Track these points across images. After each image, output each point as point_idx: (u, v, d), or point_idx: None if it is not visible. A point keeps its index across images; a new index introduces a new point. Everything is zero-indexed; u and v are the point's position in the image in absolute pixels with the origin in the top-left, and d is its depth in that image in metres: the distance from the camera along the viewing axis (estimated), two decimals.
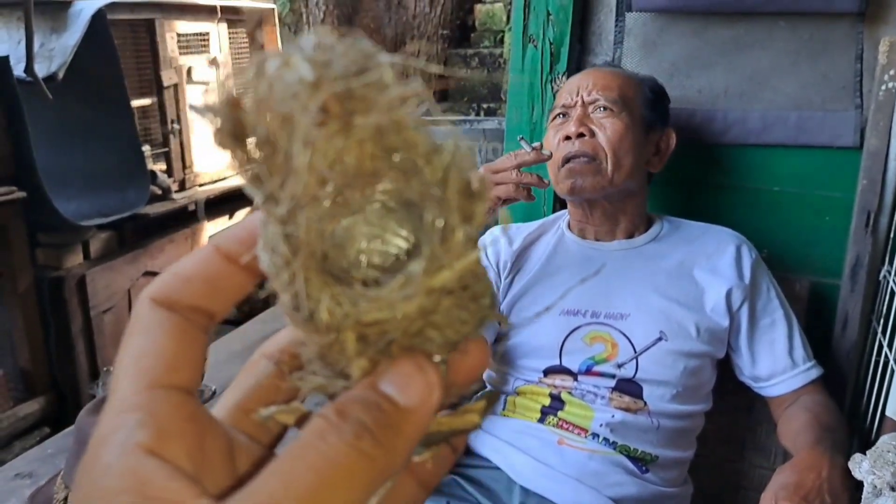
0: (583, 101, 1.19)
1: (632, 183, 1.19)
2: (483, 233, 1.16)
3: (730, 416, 1.29)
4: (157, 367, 0.22)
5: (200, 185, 3.31)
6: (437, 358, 0.23)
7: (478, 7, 4.28)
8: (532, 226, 1.32)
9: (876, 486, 0.84)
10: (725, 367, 1.21)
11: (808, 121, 1.31)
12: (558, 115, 1.22)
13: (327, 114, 0.20)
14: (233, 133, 0.22)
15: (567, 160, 1.17)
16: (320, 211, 0.22)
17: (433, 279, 0.22)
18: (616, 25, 1.43)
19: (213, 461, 0.22)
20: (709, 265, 1.18)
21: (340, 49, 0.21)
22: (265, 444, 0.26)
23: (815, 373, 1.15)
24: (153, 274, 2.84)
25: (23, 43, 2.35)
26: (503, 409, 1.19)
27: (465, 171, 0.22)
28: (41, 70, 2.42)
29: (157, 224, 2.90)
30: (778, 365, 1.15)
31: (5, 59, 2.26)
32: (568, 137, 1.17)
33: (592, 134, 1.17)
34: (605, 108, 1.18)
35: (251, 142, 0.22)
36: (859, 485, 0.88)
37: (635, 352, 1.12)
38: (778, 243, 1.35)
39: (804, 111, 1.31)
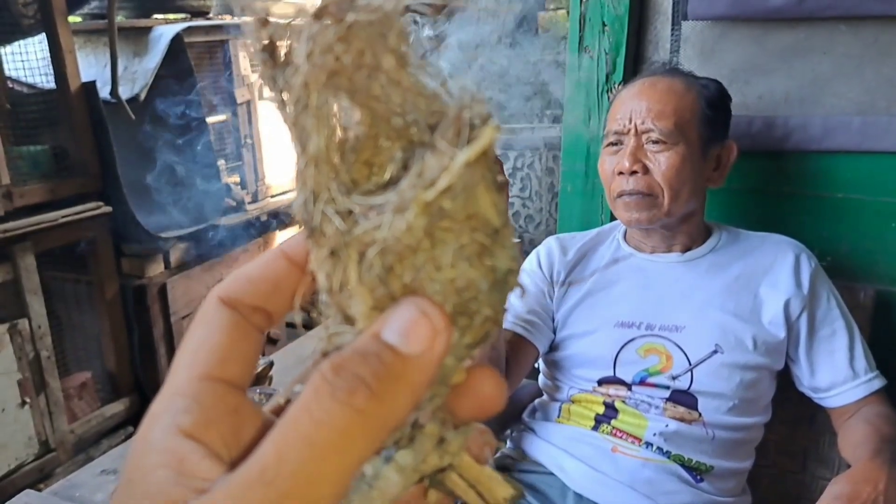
0: (636, 130, 1.14)
1: (690, 206, 1.17)
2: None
3: (791, 427, 1.27)
4: (210, 360, 0.24)
5: (272, 197, 3.42)
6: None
7: (541, 14, 4.28)
8: (587, 235, 1.32)
9: None
10: (786, 378, 1.19)
11: (871, 126, 1.28)
12: (612, 141, 1.19)
13: (324, 14, 0.21)
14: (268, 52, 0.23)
15: (621, 195, 1.16)
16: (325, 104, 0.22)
17: (425, 191, 0.21)
18: (672, 34, 1.43)
19: (250, 449, 0.23)
20: (767, 276, 1.16)
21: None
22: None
23: (878, 383, 1.12)
24: None
25: (108, 67, 2.51)
26: (558, 417, 1.21)
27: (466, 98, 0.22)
28: (125, 92, 2.56)
29: (232, 234, 3.01)
30: (838, 376, 1.13)
31: (92, 83, 2.41)
32: (621, 172, 1.15)
33: (646, 170, 1.13)
34: (659, 142, 1.13)
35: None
36: None
37: (690, 364, 1.12)
38: (842, 251, 1.32)
39: (868, 116, 1.28)
